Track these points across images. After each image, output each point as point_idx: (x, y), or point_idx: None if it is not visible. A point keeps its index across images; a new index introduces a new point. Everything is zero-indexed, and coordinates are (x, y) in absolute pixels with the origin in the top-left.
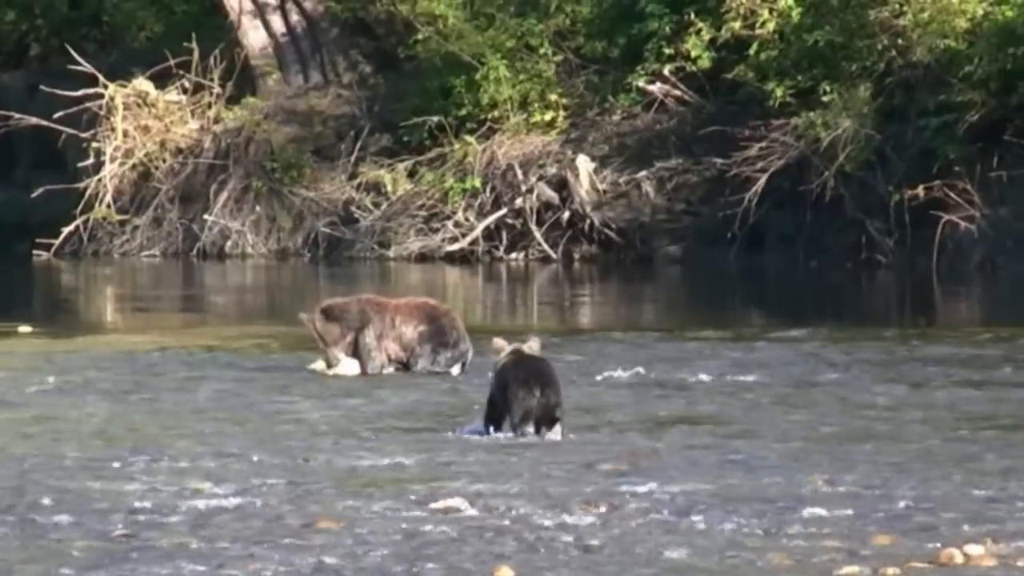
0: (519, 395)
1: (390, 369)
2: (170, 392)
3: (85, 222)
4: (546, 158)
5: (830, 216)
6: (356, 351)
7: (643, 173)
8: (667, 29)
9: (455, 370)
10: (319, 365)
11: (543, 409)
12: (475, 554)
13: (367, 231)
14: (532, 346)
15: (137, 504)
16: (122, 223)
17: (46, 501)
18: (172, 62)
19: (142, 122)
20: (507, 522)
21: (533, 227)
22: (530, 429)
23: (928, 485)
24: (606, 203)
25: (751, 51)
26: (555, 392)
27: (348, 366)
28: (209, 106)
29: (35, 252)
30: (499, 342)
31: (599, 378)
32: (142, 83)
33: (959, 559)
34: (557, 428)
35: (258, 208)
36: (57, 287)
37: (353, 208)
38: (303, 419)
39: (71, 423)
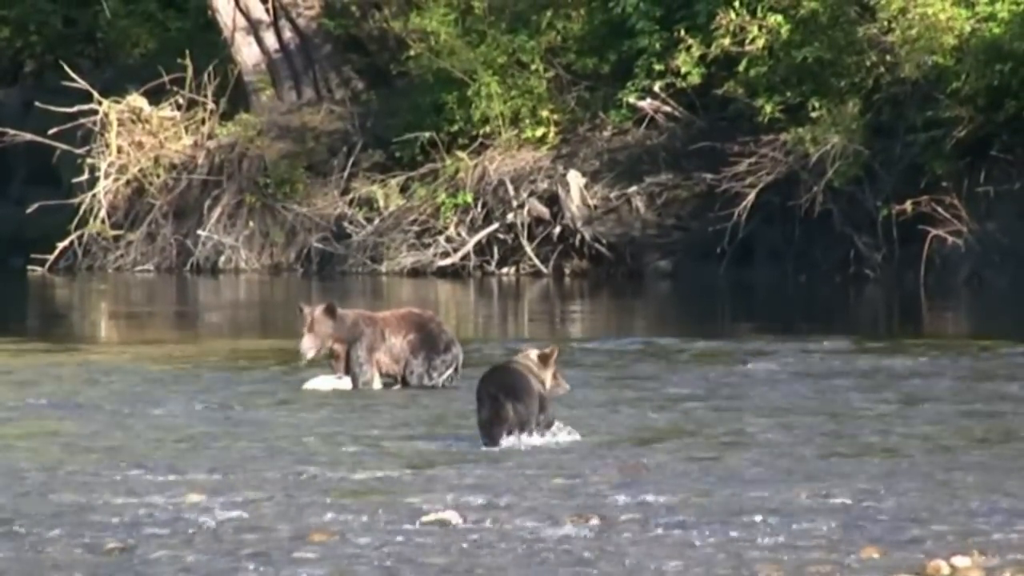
0: (485, 409)
1: (378, 385)
2: (164, 406)
3: (80, 237)
4: (537, 173)
5: (819, 231)
6: (347, 365)
7: (633, 188)
8: (657, 46)
9: (441, 380)
10: (312, 384)
11: (513, 420)
12: (467, 567)
13: (359, 246)
14: (530, 355)
15: (131, 517)
16: (116, 238)
17: (41, 515)
18: (166, 78)
19: (136, 138)
20: (498, 535)
21: (524, 242)
22: (497, 438)
23: (915, 497)
24: (597, 218)
25: (741, 67)
26: (523, 402)
27: (332, 381)
28: (203, 122)
29: (30, 267)
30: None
31: (588, 392)
32: (136, 99)
33: (946, 571)
34: (524, 437)
35: (251, 223)
36: (52, 302)
37: (346, 223)
38: (296, 433)
39: (65, 437)
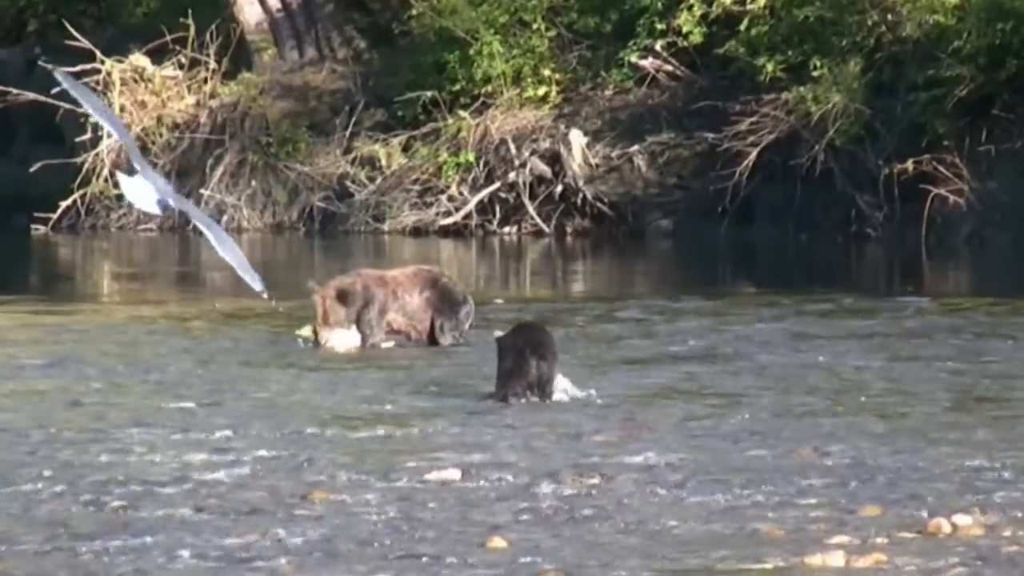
0: (508, 361)
1: (390, 343)
2: (167, 364)
3: (82, 196)
4: (539, 132)
5: (820, 190)
6: (359, 325)
7: (635, 147)
8: (659, 5)
9: (466, 328)
10: (307, 331)
11: (534, 375)
12: (468, 525)
13: (362, 205)
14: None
15: (133, 475)
16: (119, 197)
17: (43, 473)
18: (168, 38)
19: (139, 97)
20: (500, 493)
21: (526, 201)
22: (516, 396)
23: (916, 456)
24: (598, 177)
25: (742, 27)
26: (547, 360)
27: (346, 339)
28: (205, 81)
29: (33, 226)
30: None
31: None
32: (139, 59)
33: (947, 529)
34: (547, 394)
35: (253, 182)
36: (54, 261)
37: (348, 182)
38: (299, 392)
39: (66, 395)
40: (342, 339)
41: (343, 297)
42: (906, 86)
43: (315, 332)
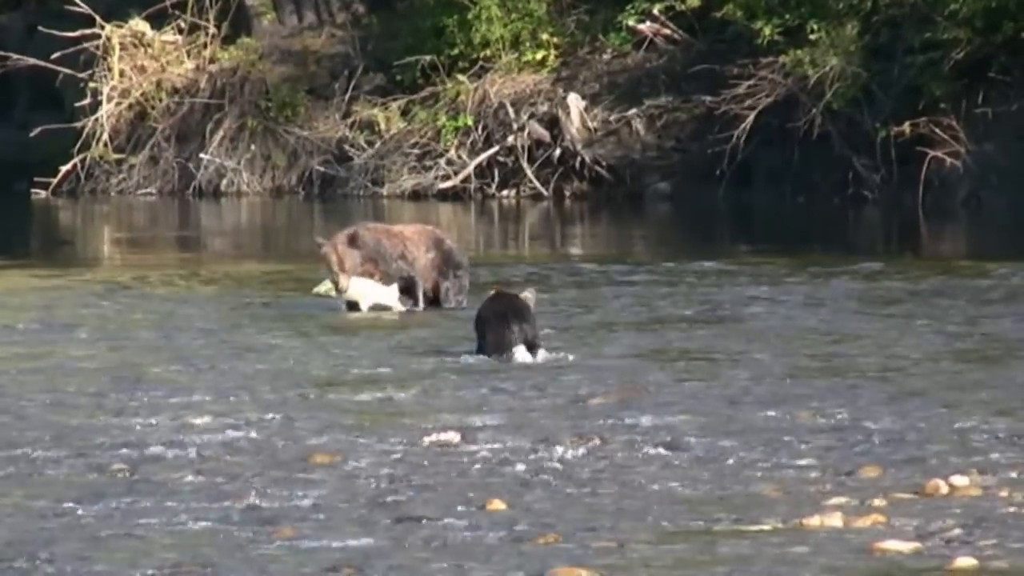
0: (496, 327)
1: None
2: (168, 329)
3: (82, 161)
4: (537, 96)
5: (817, 153)
6: (405, 286)
7: (633, 111)
8: None
9: (451, 303)
10: (324, 287)
11: (521, 339)
12: (467, 487)
13: (360, 169)
14: (527, 296)
15: (135, 439)
16: (119, 162)
17: (46, 437)
18: (168, 2)
19: (139, 62)
20: (499, 456)
21: (524, 164)
22: (511, 354)
23: (914, 418)
24: (597, 141)
25: None
26: (530, 324)
27: (364, 287)
28: (205, 46)
29: (33, 190)
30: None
31: (591, 315)
32: (138, 23)
33: (944, 490)
34: (538, 353)
35: (253, 147)
36: (54, 225)
37: (347, 146)
38: (299, 355)
39: (68, 360)
40: (362, 287)
41: (353, 241)
42: (903, 49)
43: (334, 282)
